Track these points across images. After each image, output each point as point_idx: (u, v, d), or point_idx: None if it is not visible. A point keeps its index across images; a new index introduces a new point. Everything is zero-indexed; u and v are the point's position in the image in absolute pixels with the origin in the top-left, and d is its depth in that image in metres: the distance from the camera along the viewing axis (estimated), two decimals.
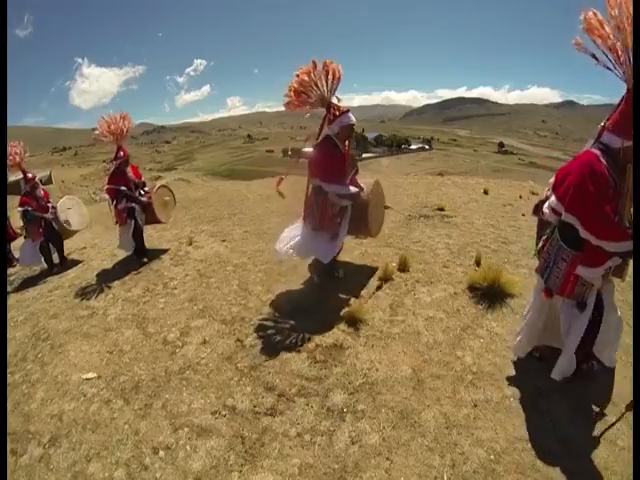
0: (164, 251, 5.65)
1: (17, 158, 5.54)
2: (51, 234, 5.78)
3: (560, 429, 2.23)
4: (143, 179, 5.71)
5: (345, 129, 3.52)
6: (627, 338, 2.92)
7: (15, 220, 6.69)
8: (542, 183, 10.78)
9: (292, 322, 3.42)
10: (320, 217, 3.68)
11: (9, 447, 2.44)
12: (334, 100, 3.56)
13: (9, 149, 5.47)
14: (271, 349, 3.11)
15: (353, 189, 3.61)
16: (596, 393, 2.47)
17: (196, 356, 3.13)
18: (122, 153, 5.32)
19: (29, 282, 5.47)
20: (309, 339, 3.17)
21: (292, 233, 3.90)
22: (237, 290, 4.14)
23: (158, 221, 5.78)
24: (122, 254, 5.75)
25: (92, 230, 8.27)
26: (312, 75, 3.42)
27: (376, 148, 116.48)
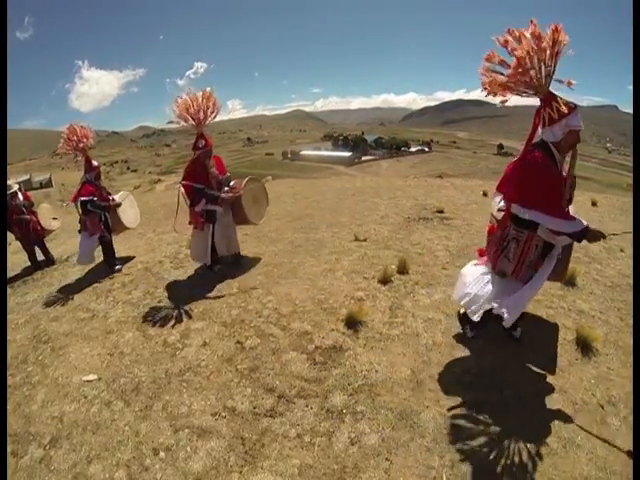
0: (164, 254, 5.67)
1: (89, 143, 5.03)
2: (106, 228, 5.25)
3: (560, 429, 2.24)
4: (228, 174, 4.72)
5: (572, 135, 2.35)
6: (627, 338, 2.94)
7: (42, 216, 6.20)
8: None
9: (292, 324, 3.44)
10: (518, 260, 2.58)
11: (10, 448, 2.45)
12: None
13: (77, 131, 4.93)
14: (271, 351, 3.12)
15: (579, 223, 2.35)
16: (595, 393, 2.49)
17: (196, 358, 3.14)
18: (204, 142, 4.35)
19: (30, 284, 5.47)
20: (309, 341, 3.19)
21: (475, 274, 2.80)
22: (237, 293, 4.15)
23: (248, 222, 4.86)
24: (123, 255, 5.76)
25: None
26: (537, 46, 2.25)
27: (375, 151, 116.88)
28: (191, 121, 4.23)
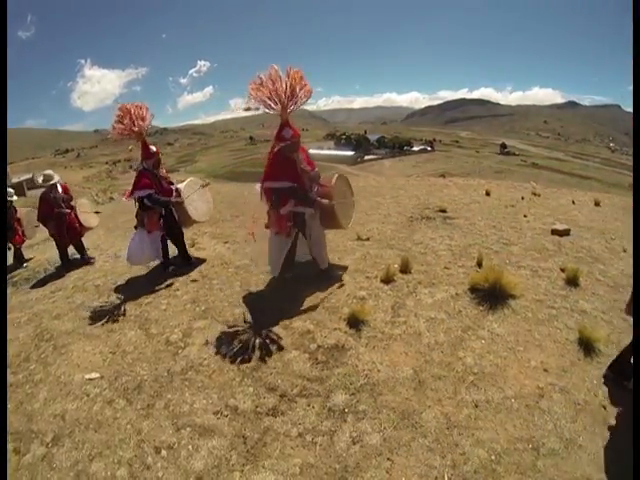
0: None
1: (146, 125, 4.38)
2: (170, 224, 4.62)
3: (561, 429, 2.23)
4: (317, 169, 3.91)
5: None
6: (627, 338, 2.92)
7: (81, 212, 5.88)
8: (544, 184, 10.80)
9: (294, 323, 3.43)
10: None
11: (12, 446, 2.46)
12: None
13: (132, 111, 4.24)
14: (273, 350, 3.12)
15: None
16: (598, 394, 2.47)
17: (198, 357, 3.14)
18: (291, 132, 3.58)
19: (32, 283, 5.49)
20: (311, 340, 3.18)
21: None
22: (239, 291, 4.15)
23: (339, 226, 4.15)
24: (124, 255, 5.75)
25: (94, 232, 8.30)
26: None
27: (378, 150, 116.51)
28: (275, 107, 3.52)
